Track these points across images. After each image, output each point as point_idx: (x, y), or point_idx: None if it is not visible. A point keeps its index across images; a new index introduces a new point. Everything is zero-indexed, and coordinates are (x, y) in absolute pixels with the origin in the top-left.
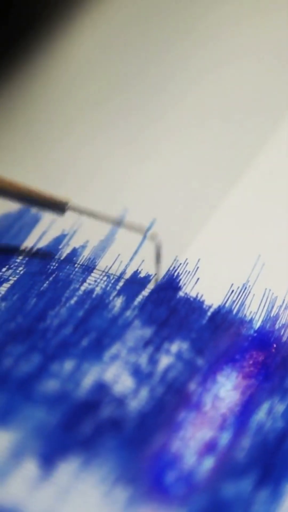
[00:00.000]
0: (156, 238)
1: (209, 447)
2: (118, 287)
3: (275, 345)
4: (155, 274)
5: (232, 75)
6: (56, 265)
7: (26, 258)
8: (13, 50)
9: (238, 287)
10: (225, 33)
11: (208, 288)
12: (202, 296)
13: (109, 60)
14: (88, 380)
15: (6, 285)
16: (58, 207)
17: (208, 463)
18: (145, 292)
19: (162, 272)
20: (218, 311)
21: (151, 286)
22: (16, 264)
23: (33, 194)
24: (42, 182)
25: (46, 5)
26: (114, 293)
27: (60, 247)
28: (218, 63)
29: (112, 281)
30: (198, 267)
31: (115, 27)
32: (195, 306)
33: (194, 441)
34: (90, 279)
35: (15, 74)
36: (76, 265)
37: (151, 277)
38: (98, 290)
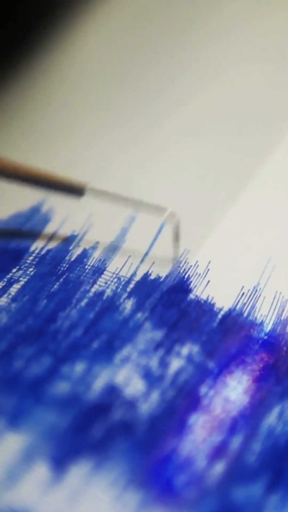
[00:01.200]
0: (173, 218)
1: (220, 451)
2: (128, 289)
3: (285, 348)
4: (173, 256)
5: (249, 68)
6: (67, 266)
7: (37, 259)
8: (22, 48)
9: (249, 290)
10: (235, 30)
11: (219, 291)
12: (212, 298)
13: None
14: (99, 383)
15: (17, 286)
16: (76, 190)
17: (219, 467)
18: (156, 295)
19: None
20: (229, 314)
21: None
22: (27, 265)
23: (51, 178)
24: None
25: (52, 4)
26: (125, 295)
27: (71, 248)
28: (235, 55)
29: (122, 283)
30: (208, 269)
31: (123, 24)
32: (205, 308)
33: (205, 444)
34: (101, 281)
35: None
36: (86, 267)
37: (162, 279)
38: (108, 292)
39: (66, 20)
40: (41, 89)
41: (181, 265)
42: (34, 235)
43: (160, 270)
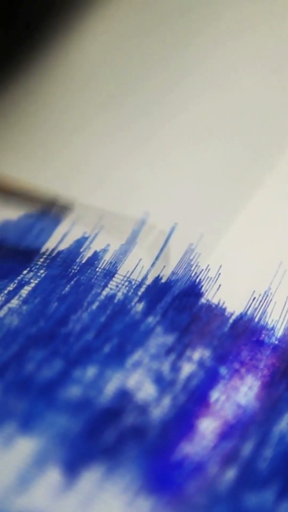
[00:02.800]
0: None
1: (231, 457)
2: (139, 293)
3: None
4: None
5: (256, 72)
6: (78, 268)
7: (47, 261)
8: (25, 53)
9: (260, 295)
10: (240, 35)
11: (230, 295)
12: (224, 303)
13: (126, 57)
14: (110, 387)
15: (28, 288)
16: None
17: (230, 472)
18: (167, 298)
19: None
20: (240, 319)
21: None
22: (37, 266)
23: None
24: (59, 185)
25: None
26: (136, 298)
27: (81, 250)
28: (240, 59)
29: (133, 287)
30: (219, 274)
31: (124, 31)
32: (217, 313)
33: (216, 450)
34: (112, 284)
35: (28, 75)
36: (97, 269)
37: (173, 283)
38: (119, 295)
39: (66, 25)
40: (40, 95)
41: (192, 268)
42: (44, 235)
43: (171, 274)
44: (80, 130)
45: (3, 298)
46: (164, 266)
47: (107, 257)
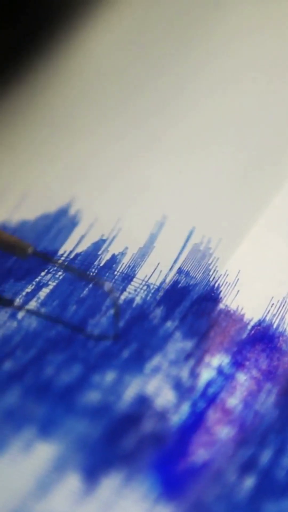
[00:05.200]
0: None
1: (250, 465)
2: (158, 297)
3: None
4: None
5: (263, 76)
6: (96, 271)
7: (65, 263)
8: (30, 55)
9: (278, 301)
10: (242, 41)
11: (248, 301)
12: (242, 309)
13: (135, 58)
14: (129, 393)
15: (46, 290)
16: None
17: (249, 480)
18: (186, 303)
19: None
20: (259, 325)
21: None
22: (55, 268)
23: None
24: (76, 187)
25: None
26: (154, 303)
27: (99, 253)
28: (245, 63)
29: (152, 291)
30: (238, 279)
31: (125, 37)
32: (235, 319)
33: (235, 458)
34: (130, 288)
35: (33, 77)
36: (115, 273)
37: (191, 287)
38: (138, 299)
39: (72, 27)
40: (41, 101)
41: (210, 273)
42: (62, 237)
43: (189, 279)
44: (95, 132)
45: (21, 300)
46: (182, 270)
47: (125, 261)
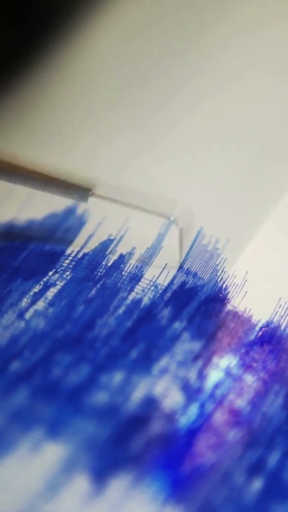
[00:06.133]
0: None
1: (258, 467)
2: (165, 298)
3: None
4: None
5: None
6: (103, 271)
7: (73, 263)
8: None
9: (286, 302)
10: (244, 39)
11: (256, 302)
12: (250, 310)
13: (138, 55)
14: (137, 394)
15: (53, 290)
16: (80, 192)
17: (257, 483)
18: (194, 304)
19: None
20: (267, 326)
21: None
22: (63, 268)
23: (53, 178)
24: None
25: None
26: (162, 303)
27: (107, 252)
28: (249, 60)
29: (160, 291)
30: (246, 280)
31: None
32: (243, 320)
33: (243, 460)
34: (138, 288)
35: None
36: (123, 273)
37: (199, 288)
38: (146, 300)
39: (79, 21)
40: (40, 98)
41: (218, 273)
42: (70, 237)
43: (197, 280)
44: (102, 131)
45: (29, 300)
46: (190, 271)
47: (133, 261)
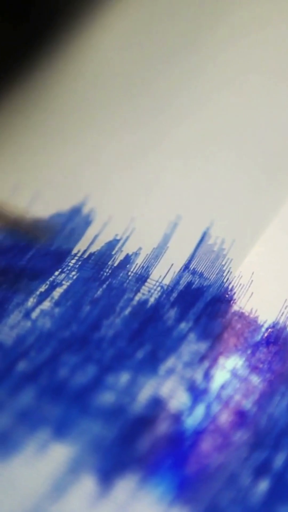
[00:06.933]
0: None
1: (264, 468)
2: (172, 298)
3: None
4: None
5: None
6: (110, 271)
7: (79, 263)
8: (33, 52)
9: None
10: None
11: (262, 303)
12: (256, 311)
13: (137, 53)
14: (144, 394)
15: (59, 290)
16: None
17: (263, 484)
18: (200, 304)
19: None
20: (273, 327)
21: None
22: (69, 268)
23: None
24: (92, 187)
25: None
26: (168, 304)
27: (113, 252)
28: (251, 60)
29: (166, 292)
30: (252, 281)
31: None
32: (249, 321)
33: (249, 461)
34: (144, 289)
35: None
36: (129, 273)
37: (205, 288)
38: (152, 300)
39: (80, 21)
40: (50, 99)
41: (224, 274)
42: (76, 236)
43: (203, 280)
44: (108, 131)
45: (35, 300)
46: (196, 271)
47: (139, 261)
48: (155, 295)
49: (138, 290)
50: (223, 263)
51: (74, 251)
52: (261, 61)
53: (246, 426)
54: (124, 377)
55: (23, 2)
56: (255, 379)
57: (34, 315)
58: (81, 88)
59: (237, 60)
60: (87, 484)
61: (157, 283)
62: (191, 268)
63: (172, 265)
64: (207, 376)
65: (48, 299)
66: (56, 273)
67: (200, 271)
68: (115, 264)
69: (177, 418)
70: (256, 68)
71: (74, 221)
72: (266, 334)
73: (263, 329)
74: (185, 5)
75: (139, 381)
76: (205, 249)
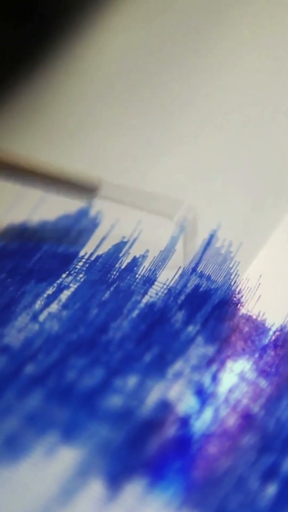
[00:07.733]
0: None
1: (272, 472)
2: (179, 301)
3: None
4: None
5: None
6: (117, 274)
7: (87, 265)
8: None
9: None
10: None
11: (270, 306)
12: (263, 314)
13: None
14: (152, 398)
15: (67, 292)
16: (87, 190)
17: (271, 488)
18: (207, 307)
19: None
20: (280, 330)
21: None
22: (76, 270)
23: (60, 176)
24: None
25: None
26: (176, 307)
27: (121, 255)
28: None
29: (173, 295)
30: (259, 284)
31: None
32: (257, 324)
33: (257, 465)
34: (152, 292)
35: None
36: (137, 276)
37: (213, 291)
38: (159, 303)
39: (90, 17)
40: (57, 88)
41: (231, 277)
42: (83, 239)
43: (210, 283)
44: (113, 132)
45: (43, 302)
46: (204, 274)
47: (146, 264)
48: (163, 297)
49: (145, 293)
50: (231, 265)
51: (82, 253)
52: (264, 58)
53: (254, 429)
54: (132, 380)
55: (23, 2)
56: (263, 383)
57: (41, 317)
58: (82, 88)
59: (240, 56)
60: (95, 487)
61: (165, 286)
62: (199, 271)
63: (179, 268)
64: (215, 379)
65: (56, 301)
66: (64, 275)
67: (207, 274)
68: (123, 267)
69: (185, 421)
70: (259, 65)
71: (82, 223)
72: (273, 337)
73: (271, 332)
74: (185, 5)
75: (147, 384)
76: (213, 251)
